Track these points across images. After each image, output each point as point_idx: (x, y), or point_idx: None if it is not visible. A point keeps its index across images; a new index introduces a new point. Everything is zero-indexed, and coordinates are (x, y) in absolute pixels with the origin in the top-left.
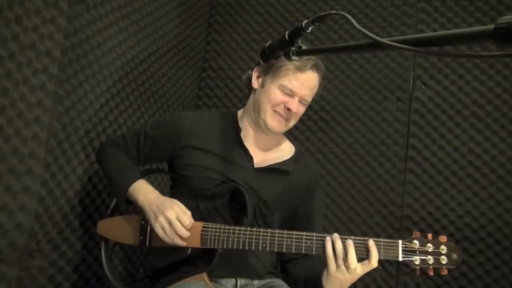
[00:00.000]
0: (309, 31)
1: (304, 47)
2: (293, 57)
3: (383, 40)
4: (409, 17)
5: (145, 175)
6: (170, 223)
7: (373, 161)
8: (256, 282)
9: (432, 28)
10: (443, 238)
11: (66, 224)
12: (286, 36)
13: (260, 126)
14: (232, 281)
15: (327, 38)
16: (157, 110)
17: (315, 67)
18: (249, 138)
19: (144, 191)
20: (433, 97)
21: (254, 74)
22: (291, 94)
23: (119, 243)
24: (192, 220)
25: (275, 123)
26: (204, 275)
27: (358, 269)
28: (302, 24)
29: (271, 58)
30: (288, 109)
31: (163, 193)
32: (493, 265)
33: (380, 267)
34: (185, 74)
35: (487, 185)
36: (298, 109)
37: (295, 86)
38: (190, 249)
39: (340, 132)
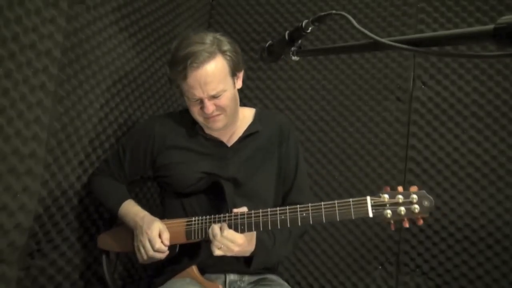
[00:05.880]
0: (309, 31)
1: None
2: (293, 57)
3: (383, 40)
4: (409, 17)
5: (134, 186)
6: (143, 247)
7: (373, 161)
8: (246, 278)
9: (432, 28)
10: (413, 188)
11: (66, 224)
12: (286, 36)
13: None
14: (221, 277)
15: (327, 38)
16: (157, 110)
17: (193, 64)
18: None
19: (130, 216)
20: (433, 97)
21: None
22: (198, 101)
23: (120, 254)
24: (166, 244)
25: (212, 124)
26: (194, 270)
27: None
28: (302, 24)
29: (271, 58)
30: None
31: (151, 200)
32: (493, 265)
33: (380, 267)
34: None
35: (487, 185)
36: (214, 107)
37: (194, 94)
38: (178, 246)
39: (340, 132)
